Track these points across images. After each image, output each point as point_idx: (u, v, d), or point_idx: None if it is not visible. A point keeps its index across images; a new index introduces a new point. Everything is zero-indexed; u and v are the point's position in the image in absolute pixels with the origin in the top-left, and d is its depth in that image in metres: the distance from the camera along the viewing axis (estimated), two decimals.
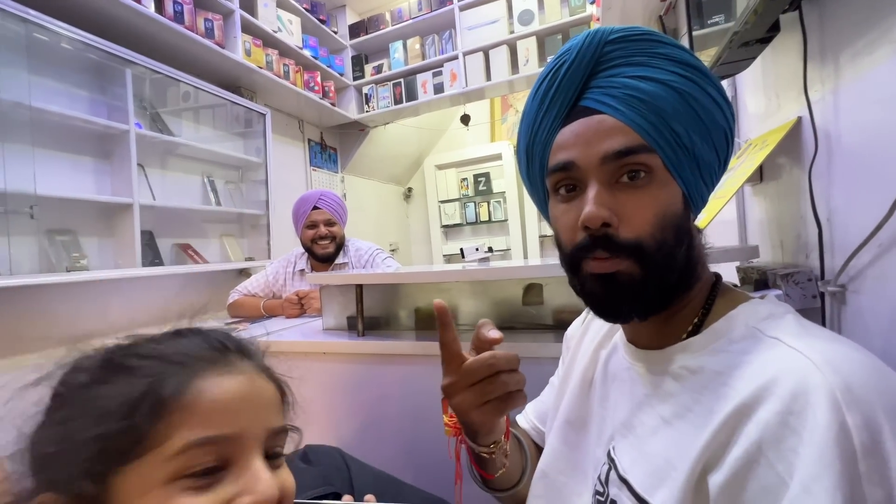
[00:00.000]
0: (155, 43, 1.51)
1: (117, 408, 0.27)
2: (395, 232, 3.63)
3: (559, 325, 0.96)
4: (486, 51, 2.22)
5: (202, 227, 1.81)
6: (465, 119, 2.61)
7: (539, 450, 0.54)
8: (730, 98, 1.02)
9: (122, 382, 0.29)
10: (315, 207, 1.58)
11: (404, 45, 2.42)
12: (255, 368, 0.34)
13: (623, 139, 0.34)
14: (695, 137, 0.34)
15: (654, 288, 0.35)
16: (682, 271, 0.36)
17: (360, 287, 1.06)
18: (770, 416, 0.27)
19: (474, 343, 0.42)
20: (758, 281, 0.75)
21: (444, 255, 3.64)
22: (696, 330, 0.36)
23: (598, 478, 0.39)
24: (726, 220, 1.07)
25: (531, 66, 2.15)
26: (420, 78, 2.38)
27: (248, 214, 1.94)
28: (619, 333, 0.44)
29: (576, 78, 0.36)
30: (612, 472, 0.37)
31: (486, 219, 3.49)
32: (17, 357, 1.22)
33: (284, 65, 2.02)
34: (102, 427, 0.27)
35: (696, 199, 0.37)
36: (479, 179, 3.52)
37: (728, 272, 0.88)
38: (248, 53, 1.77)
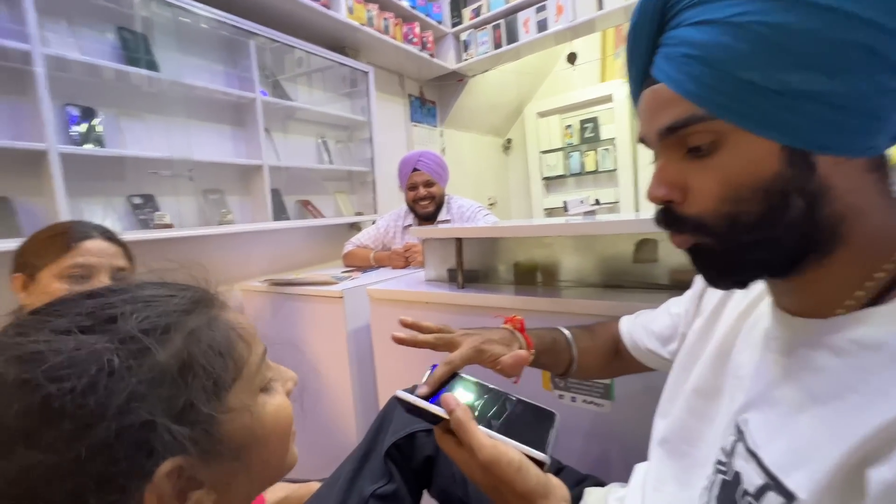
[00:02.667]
0: (270, 11, 1.61)
1: (223, 348, 0.32)
2: (494, 186, 3.57)
3: (676, 285, 0.86)
4: None
5: (319, 184, 1.98)
6: (572, 58, 2.37)
7: (612, 348, 0.65)
8: None
9: (216, 331, 0.33)
10: (415, 169, 1.63)
11: None
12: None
13: (672, 112, 0.31)
14: (789, 76, 0.27)
15: (747, 260, 0.32)
16: (799, 237, 0.30)
17: (459, 241, 1.07)
18: None
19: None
20: None
21: (545, 209, 3.50)
22: (876, 299, 0.29)
23: (722, 448, 0.36)
24: None
25: None
26: (521, 16, 2.20)
27: (356, 172, 2.07)
28: (766, 299, 0.38)
29: (641, 43, 0.32)
30: (740, 445, 0.34)
31: (593, 169, 3.23)
32: None
33: (384, 19, 2.02)
34: (204, 375, 0.30)
35: (834, 144, 0.28)
36: (586, 126, 3.23)
37: None
38: (350, 11, 1.80)
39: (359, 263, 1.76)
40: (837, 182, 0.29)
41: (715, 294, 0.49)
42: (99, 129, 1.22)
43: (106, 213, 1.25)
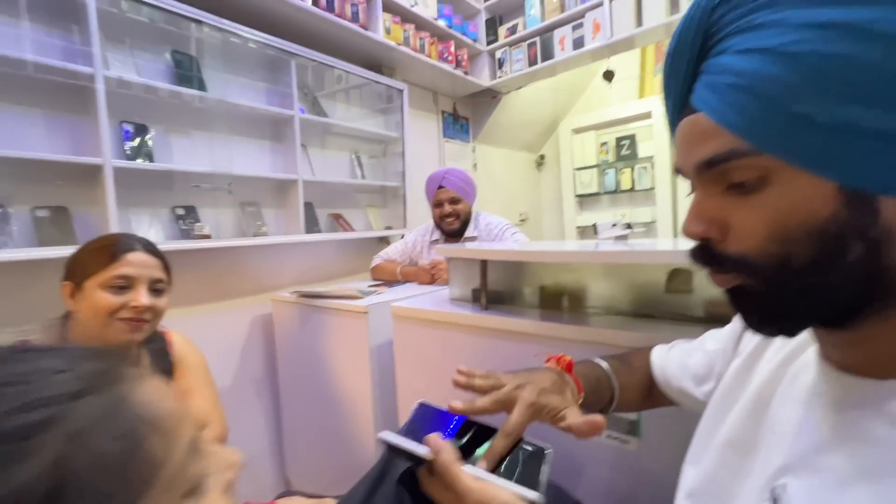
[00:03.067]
0: (311, 32, 1.69)
1: (123, 453, 0.24)
2: (526, 202, 3.53)
3: (710, 318, 0.81)
4: None
5: (351, 197, 2.03)
6: (609, 75, 2.33)
7: (648, 381, 0.60)
8: None
9: (116, 424, 0.24)
10: (440, 186, 1.64)
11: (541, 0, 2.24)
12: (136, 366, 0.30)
13: (713, 145, 0.29)
14: (849, 110, 0.24)
15: (796, 307, 0.30)
16: (857, 285, 0.27)
17: (484, 262, 1.06)
18: None
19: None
20: None
21: (578, 227, 3.42)
22: None
23: None
24: None
25: None
26: (557, 34, 2.19)
27: (387, 186, 2.11)
28: (812, 347, 0.36)
29: (679, 71, 0.30)
30: None
31: (629, 187, 3.13)
32: (224, 301, 1.58)
33: (420, 38, 2.07)
34: (112, 479, 0.23)
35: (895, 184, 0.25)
36: (623, 143, 3.15)
37: None
38: (387, 32, 1.86)
39: (386, 277, 1.78)
40: (885, 233, 0.26)
41: (743, 341, 0.46)
42: (150, 144, 1.30)
43: (151, 223, 1.33)
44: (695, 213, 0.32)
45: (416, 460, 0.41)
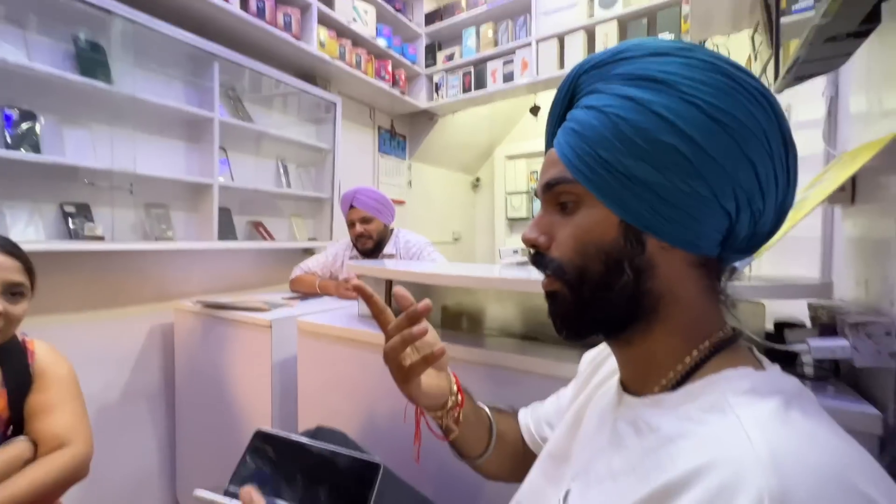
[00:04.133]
0: (239, 37, 1.65)
1: None
2: (460, 221, 3.64)
3: (587, 345, 0.89)
4: (561, 37, 2.09)
5: (274, 206, 1.97)
6: (535, 110, 2.50)
7: (521, 443, 0.59)
8: (829, 98, 0.84)
9: None
10: (351, 206, 1.65)
11: (477, 32, 2.36)
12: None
13: (553, 171, 0.37)
14: (630, 162, 0.32)
15: (584, 312, 0.37)
16: (625, 302, 0.35)
17: (389, 282, 1.08)
18: (697, 498, 0.26)
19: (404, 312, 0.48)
20: (823, 325, 0.62)
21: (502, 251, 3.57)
22: (678, 384, 0.35)
23: None
24: (810, 242, 0.90)
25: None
26: (490, 66, 2.32)
27: (315, 197, 2.07)
28: (616, 377, 0.42)
29: (553, 115, 0.39)
30: None
31: None
32: (119, 308, 1.46)
33: (357, 54, 2.09)
34: None
35: (658, 228, 0.33)
36: None
37: (799, 309, 0.75)
38: (322, 45, 1.86)
39: (304, 290, 1.74)
40: (660, 263, 0.34)
41: (593, 360, 0.52)
42: (38, 133, 1.19)
43: (31, 220, 1.21)
44: (534, 224, 0.40)
45: None
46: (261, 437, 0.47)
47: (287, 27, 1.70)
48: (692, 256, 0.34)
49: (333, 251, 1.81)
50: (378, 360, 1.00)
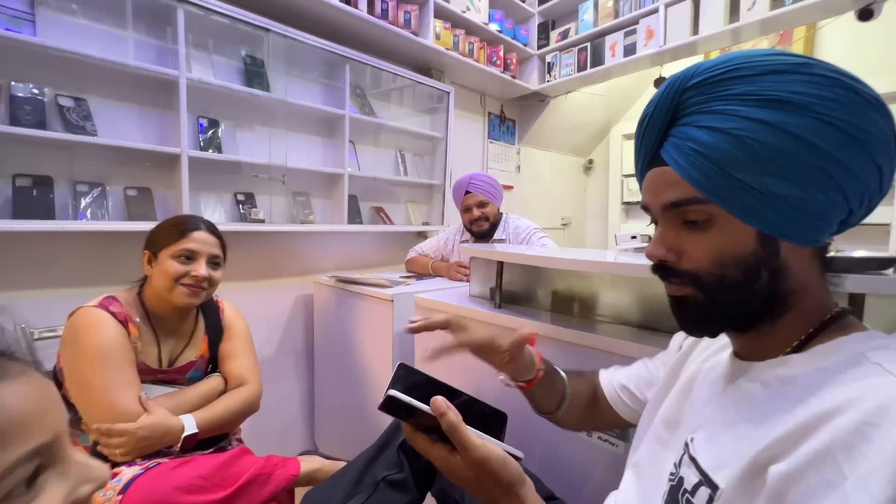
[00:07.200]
0: (365, 37, 1.81)
1: None
2: (570, 206, 3.50)
3: None
4: None
5: (393, 193, 2.15)
6: (659, 82, 2.27)
7: (594, 401, 0.69)
8: None
9: None
10: (467, 192, 1.71)
11: (595, 4, 2.22)
12: (26, 365, 0.30)
13: (677, 192, 0.39)
14: (768, 180, 0.35)
15: (721, 314, 0.40)
16: (762, 302, 0.39)
17: (501, 263, 1.12)
18: (847, 423, 0.29)
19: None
20: None
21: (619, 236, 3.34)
22: (799, 349, 0.38)
23: (674, 463, 0.44)
24: None
25: (760, 9, 1.70)
26: (609, 40, 2.17)
27: (428, 184, 2.20)
28: (727, 351, 0.46)
29: (654, 131, 0.40)
30: (685, 456, 0.42)
31: None
32: (272, 280, 1.76)
33: (469, 43, 2.13)
34: None
35: (793, 234, 0.37)
36: None
37: None
38: (437, 37, 1.94)
39: (418, 270, 1.88)
40: (793, 263, 0.38)
41: (682, 347, 0.57)
42: (220, 136, 1.49)
43: (216, 207, 1.52)
44: (656, 242, 0.42)
45: (408, 416, 0.45)
46: (403, 369, 0.52)
47: (407, 24, 1.82)
48: (814, 249, 0.38)
49: (445, 236, 1.92)
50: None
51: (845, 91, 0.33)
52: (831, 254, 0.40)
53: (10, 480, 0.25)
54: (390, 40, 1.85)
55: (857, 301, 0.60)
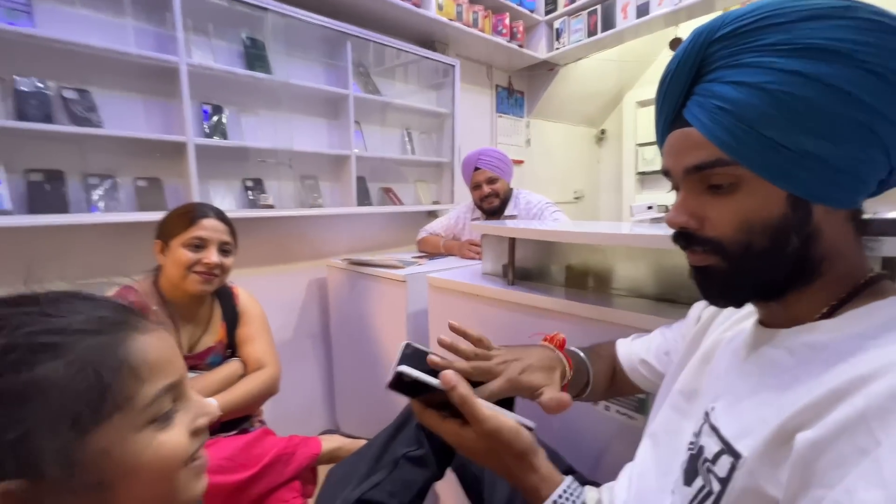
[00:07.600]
0: (365, 12, 1.75)
1: (100, 382, 0.30)
2: (583, 178, 3.42)
3: None
4: None
5: (401, 173, 2.13)
6: (676, 44, 2.16)
7: (613, 373, 0.68)
8: None
9: (62, 361, 0.30)
10: (476, 168, 1.67)
11: None
12: (154, 323, 0.38)
13: (701, 154, 0.36)
14: (802, 138, 0.32)
15: (747, 283, 0.38)
16: (791, 269, 0.36)
17: (512, 239, 1.10)
18: (883, 388, 0.28)
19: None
20: None
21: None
22: (829, 315, 0.36)
23: (694, 432, 0.42)
24: None
25: None
26: (620, 1, 2.06)
27: (436, 162, 2.17)
28: (750, 320, 0.44)
29: (676, 89, 0.37)
30: (706, 425, 0.40)
31: None
32: (284, 264, 1.77)
33: (473, 12, 2.05)
34: (63, 404, 0.29)
35: (828, 196, 0.34)
36: None
37: None
38: (440, 7, 1.87)
39: (430, 250, 1.87)
40: (826, 227, 0.35)
41: (701, 318, 0.55)
42: (224, 122, 1.47)
43: (226, 194, 1.52)
44: (679, 208, 0.39)
45: (424, 392, 0.44)
46: (410, 348, 0.50)
47: None
48: (849, 212, 0.35)
49: (455, 214, 1.90)
50: (498, 312, 1.05)
51: (892, 35, 0.30)
52: (867, 216, 0.37)
53: (156, 406, 0.33)
54: (391, 13, 1.79)
55: (893, 265, 0.57)
